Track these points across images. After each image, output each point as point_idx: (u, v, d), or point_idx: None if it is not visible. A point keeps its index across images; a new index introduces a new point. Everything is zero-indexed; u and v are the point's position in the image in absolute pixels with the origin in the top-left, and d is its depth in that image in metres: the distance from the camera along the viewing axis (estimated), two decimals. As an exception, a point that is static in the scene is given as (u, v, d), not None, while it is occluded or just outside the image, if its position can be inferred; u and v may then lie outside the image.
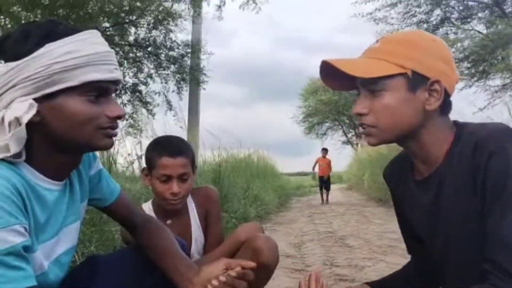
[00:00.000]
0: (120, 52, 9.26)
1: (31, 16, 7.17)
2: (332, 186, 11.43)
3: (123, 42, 9.35)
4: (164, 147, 1.53)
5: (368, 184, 10.41)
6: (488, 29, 10.01)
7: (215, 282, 0.98)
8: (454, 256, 0.94)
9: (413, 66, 0.90)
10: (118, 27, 8.61)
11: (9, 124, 0.77)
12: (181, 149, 1.55)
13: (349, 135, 27.13)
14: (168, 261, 1.09)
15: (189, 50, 9.53)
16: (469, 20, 11.22)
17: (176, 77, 9.80)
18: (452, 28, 11.44)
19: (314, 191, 14.17)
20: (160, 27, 8.98)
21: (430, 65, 0.90)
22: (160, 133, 4.30)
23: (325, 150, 11.57)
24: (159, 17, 8.52)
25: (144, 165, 1.65)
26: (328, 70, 0.95)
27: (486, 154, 0.83)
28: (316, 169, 11.37)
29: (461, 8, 11.16)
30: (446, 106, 0.94)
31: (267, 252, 1.40)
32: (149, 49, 9.61)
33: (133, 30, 8.76)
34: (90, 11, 7.58)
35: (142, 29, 9.16)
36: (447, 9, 11.32)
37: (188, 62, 9.59)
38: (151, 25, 8.92)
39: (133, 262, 1.16)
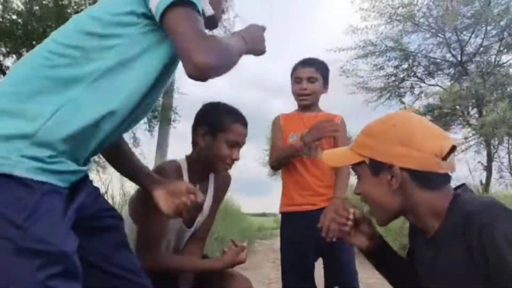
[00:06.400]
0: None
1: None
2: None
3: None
4: (237, 115, 1.60)
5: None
6: (452, 85, 10.48)
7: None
8: None
9: (369, 154, 1.02)
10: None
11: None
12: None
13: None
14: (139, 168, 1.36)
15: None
16: (433, 75, 11.77)
17: (148, 116, 9.68)
18: (417, 82, 11.92)
19: (276, 233, 10.59)
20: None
21: (384, 151, 0.99)
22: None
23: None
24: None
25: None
26: None
27: (476, 231, 0.86)
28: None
29: (426, 63, 11.65)
30: (426, 181, 0.97)
31: None
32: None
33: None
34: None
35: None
36: (414, 63, 11.74)
37: (160, 101, 9.51)
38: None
39: None
